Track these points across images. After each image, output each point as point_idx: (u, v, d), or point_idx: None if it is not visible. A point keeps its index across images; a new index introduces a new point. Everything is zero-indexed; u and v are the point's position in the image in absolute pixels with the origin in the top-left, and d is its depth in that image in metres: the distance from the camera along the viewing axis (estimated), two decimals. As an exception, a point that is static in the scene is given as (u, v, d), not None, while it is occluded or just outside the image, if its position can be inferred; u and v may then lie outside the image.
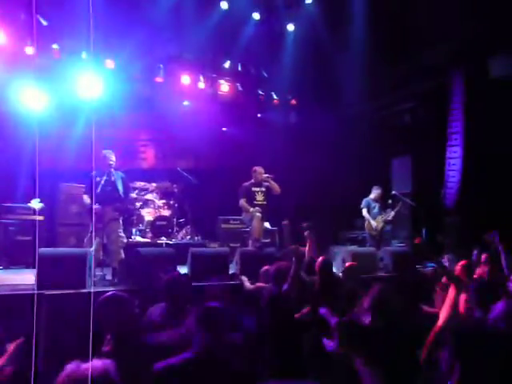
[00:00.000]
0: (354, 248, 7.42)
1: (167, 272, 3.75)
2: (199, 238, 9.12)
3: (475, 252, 5.85)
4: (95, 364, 1.62)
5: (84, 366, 1.61)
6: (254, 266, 5.64)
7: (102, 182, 5.67)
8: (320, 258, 4.49)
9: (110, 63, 8.31)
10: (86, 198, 5.71)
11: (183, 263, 6.02)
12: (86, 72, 7.96)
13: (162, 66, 9.16)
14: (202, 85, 9.65)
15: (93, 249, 5.45)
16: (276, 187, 7.06)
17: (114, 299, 2.58)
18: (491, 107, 7.90)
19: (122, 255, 5.74)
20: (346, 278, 4.70)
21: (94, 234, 5.50)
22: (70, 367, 1.61)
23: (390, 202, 8.79)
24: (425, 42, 8.30)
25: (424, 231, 8.19)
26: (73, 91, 8.07)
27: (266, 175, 7.08)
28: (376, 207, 8.04)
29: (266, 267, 4.80)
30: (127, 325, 2.45)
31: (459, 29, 7.93)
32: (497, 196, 7.69)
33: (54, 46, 7.88)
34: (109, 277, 5.58)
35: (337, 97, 9.65)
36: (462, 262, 4.65)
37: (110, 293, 2.66)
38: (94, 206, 5.54)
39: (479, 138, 8.15)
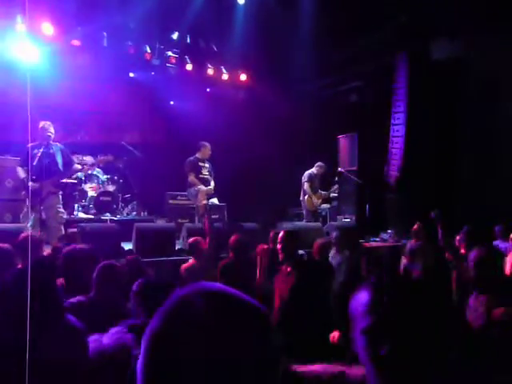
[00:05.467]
0: (300, 223, 7.54)
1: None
2: (146, 213, 8.94)
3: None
4: None
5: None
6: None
7: (39, 154, 5.38)
8: (233, 237, 4.46)
9: (47, 28, 7.78)
10: (21, 171, 5.40)
11: (128, 240, 5.88)
12: (20, 37, 7.42)
13: (105, 33, 8.70)
14: (148, 56, 9.28)
15: (29, 225, 5.20)
16: None
17: None
18: (433, 88, 8.21)
19: (62, 231, 5.52)
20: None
21: (30, 209, 5.23)
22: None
23: (336, 179, 9.01)
24: (372, 24, 8.43)
25: (368, 207, 8.47)
26: (7, 57, 7.51)
27: None
28: (316, 183, 8.18)
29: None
30: None
31: (404, 11, 8.13)
32: (436, 174, 8.07)
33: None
34: (47, 254, 5.35)
35: (286, 74, 9.63)
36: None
37: None
38: (31, 183, 5.26)
39: (421, 117, 8.46)
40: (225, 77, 10.27)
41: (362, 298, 1.03)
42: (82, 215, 7.99)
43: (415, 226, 5.82)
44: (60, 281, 2.77)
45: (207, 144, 7.04)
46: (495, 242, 5.57)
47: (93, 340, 1.57)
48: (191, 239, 4.70)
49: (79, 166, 7.82)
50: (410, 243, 4.76)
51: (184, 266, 4.52)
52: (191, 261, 4.61)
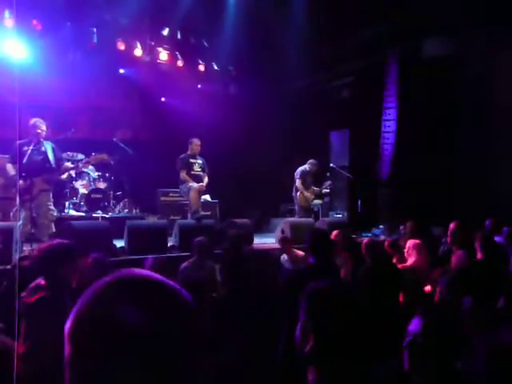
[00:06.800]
0: (292, 219, 7.55)
1: None
2: (137, 211, 8.88)
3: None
4: None
5: None
6: (192, 238, 5.59)
7: (29, 151, 5.31)
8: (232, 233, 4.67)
9: (36, 24, 7.69)
10: (10, 168, 5.34)
11: (120, 237, 5.85)
12: (9, 32, 7.33)
13: (95, 29, 8.62)
14: (138, 52, 9.22)
15: (20, 223, 5.15)
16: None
17: None
18: (423, 84, 8.25)
19: (53, 229, 5.47)
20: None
21: (20, 206, 5.18)
22: None
23: (328, 174, 9.03)
24: (364, 20, 8.44)
25: (359, 203, 8.51)
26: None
27: None
28: (309, 179, 8.15)
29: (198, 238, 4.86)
30: None
31: (396, 9, 8.15)
32: (427, 169, 8.11)
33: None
34: (38, 252, 5.30)
35: (277, 69, 9.62)
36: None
37: None
38: (20, 180, 5.20)
39: (412, 113, 8.50)
40: (215, 73, 10.23)
41: None
42: (73, 213, 7.92)
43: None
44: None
45: (195, 139, 7.03)
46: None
47: None
48: (198, 238, 4.82)
49: (71, 165, 7.74)
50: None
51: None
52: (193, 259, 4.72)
